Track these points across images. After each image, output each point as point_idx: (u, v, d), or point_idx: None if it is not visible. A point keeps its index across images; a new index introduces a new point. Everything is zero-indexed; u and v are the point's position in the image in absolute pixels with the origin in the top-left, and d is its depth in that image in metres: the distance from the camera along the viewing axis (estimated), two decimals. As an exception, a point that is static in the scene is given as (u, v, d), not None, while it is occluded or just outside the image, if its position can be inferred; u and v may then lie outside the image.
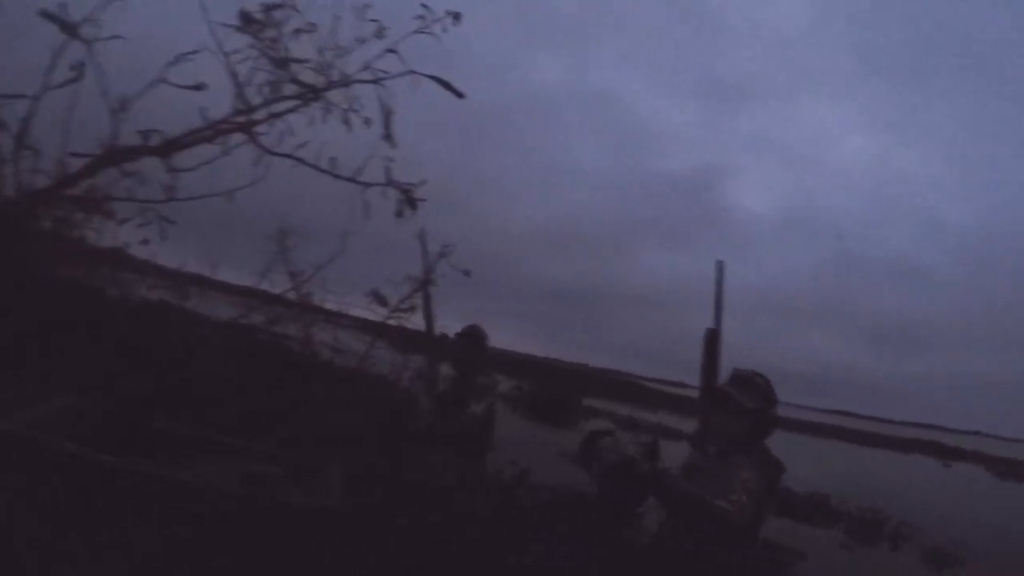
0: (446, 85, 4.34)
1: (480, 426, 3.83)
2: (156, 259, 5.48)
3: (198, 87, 3.80)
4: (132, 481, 2.38)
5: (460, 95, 4.34)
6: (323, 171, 4.34)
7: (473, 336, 4.05)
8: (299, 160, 4.22)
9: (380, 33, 4.24)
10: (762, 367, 2.88)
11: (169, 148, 3.49)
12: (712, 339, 3.01)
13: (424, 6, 4.32)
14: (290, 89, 4.07)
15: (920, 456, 39.57)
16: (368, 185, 4.40)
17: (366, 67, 4.27)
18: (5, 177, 3.64)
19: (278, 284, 5.16)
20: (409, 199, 4.28)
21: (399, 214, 4.36)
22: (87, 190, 4.09)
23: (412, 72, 4.29)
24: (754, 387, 2.77)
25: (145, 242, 5.18)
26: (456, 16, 4.57)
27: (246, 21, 3.94)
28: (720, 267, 3.05)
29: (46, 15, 2.64)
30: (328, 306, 5.45)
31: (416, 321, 4.91)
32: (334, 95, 4.33)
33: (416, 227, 4.21)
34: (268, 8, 4.03)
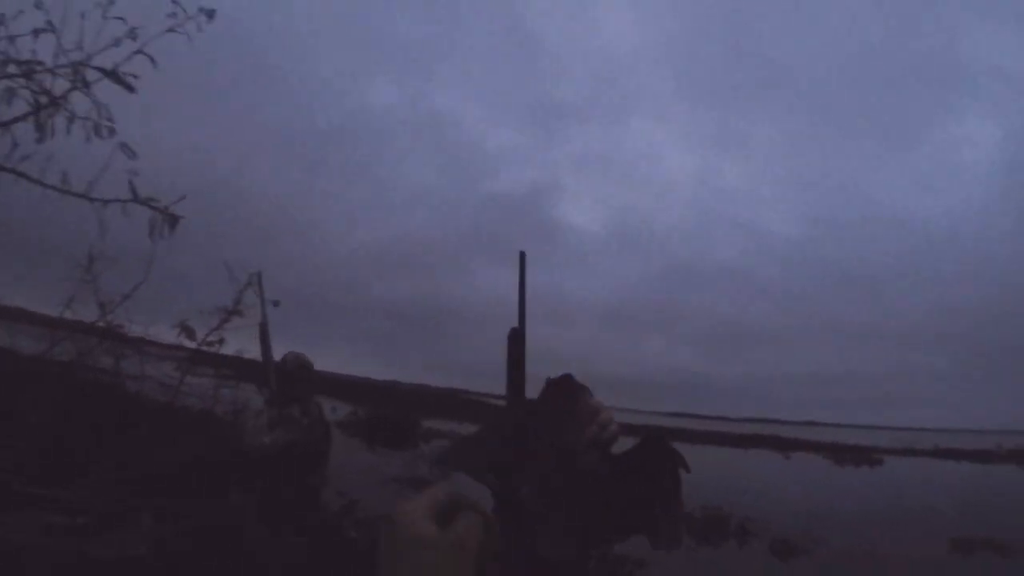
0: (118, 80, 3.93)
1: (315, 446, 3.69)
2: None
3: None
4: None
5: (131, 89, 3.94)
6: (51, 187, 3.87)
7: (295, 364, 3.87)
8: (22, 175, 3.74)
9: (132, 34, 3.86)
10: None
11: None
12: (516, 340, 2.73)
13: (175, 2, 3.94)
14: (23, 95, 3.65)
15: (760, 451, 40.83)
16: (107, 202, 3.99)
17: (113, 69, 3.83)
18: None
19: (85, 314, 4.74)
20: (168, 217, 3.93)
21: (154, 233, 3.99)
22: None
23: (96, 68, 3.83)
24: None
25: None
26: (210, 14, 4.16)
27: None
28: (523, 259, 2.79)
29: None
30: (138, 335, 5.13)
31: (231, 348, 4.71)
32: (76, 99, 3.87)
33: (231, 255, 3.96)
34: None
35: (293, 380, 3.83)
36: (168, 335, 4.99)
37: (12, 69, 3.35)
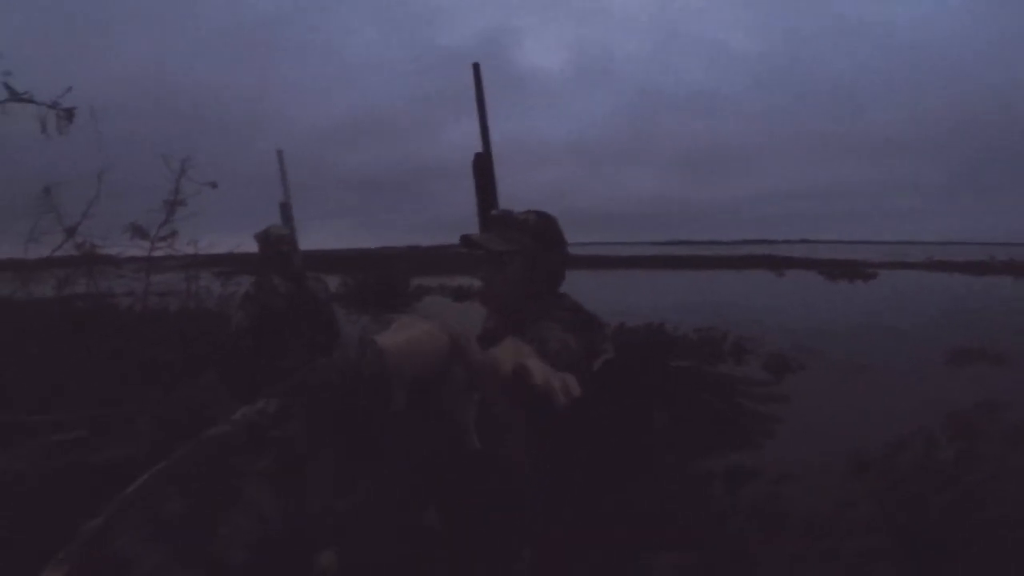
0: None
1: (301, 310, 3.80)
2: None
3: None
4: None
5: None
6: None
7: (276, 235, 3.91)
8: None
9: None
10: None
11: None
12: (482, 164, 2.47)
13: None
14: None
15: (754, 271, 40.51)
16: None
17: None
18: None
19: (49, 245, 4.73)
20: (63, 112, 3.86)
21: (46, 130, 3.91)
22: None
23: None
24: (519, 224, 2.12)
25: None
26: None
27: None
28: (477, 71, 2.45)
29: None
30: (105, 252, 5.07)
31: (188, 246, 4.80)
32: None
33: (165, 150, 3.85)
34: None
35: (273, 251, 3.89)
36: (134, 247, 5.04)
37: None
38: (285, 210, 4.08)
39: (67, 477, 2.32)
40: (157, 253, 4.95)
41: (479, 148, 2.41)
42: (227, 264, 5.94)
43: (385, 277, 21.91)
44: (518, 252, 2.06)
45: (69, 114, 3.60)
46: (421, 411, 0.80)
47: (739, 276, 36.96)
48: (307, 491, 0.62)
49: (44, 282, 4.89)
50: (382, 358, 0.70)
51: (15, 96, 3.48)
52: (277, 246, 3.88)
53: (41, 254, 4.65)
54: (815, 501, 3.79)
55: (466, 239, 2.14)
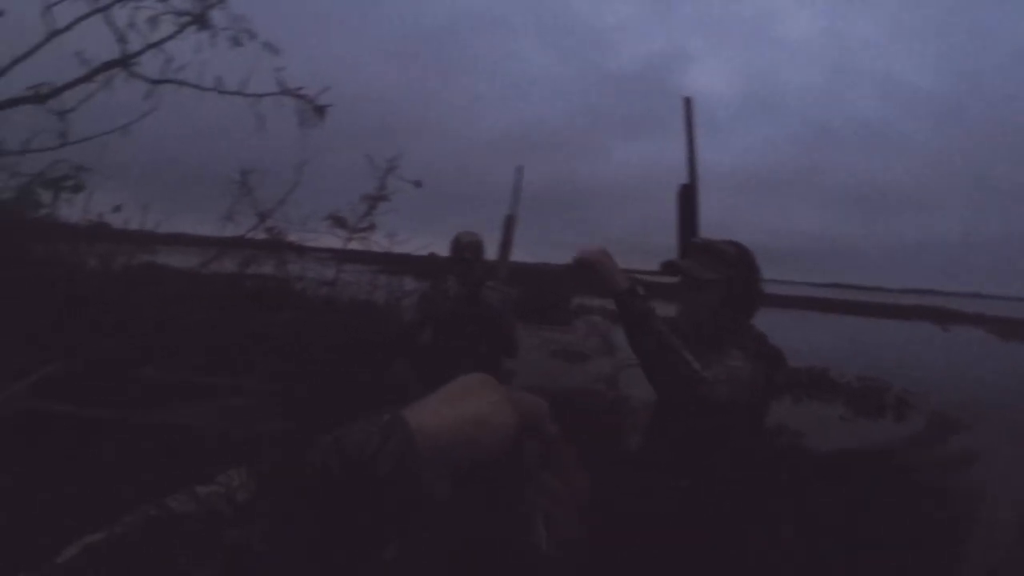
0: None
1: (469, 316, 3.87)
2: (130, 225, 5.66)
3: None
4: (120, 430, 2.56)
5: None
6: (207, 89, 4.19)
7: (467, 240, 4.02)
8: (182, 83, 4.06)
9: None
10: (751, 246, 2.36)
11: (51, 95, 3.39)
12: (687, 195, 2.54)
13: None
14: (171, 19, 3.92)
15: (919, 322, 38.44)
16: (260, 96, 4.25)
17: None
18: None
19: (243, 226, 5.11)
20: (315, 107, 4.15)
21: (305, 123, 4.22)
22: None
23: None
24: (719, 254, 2.28)
25: (117, 209, 5.39)
26: None
27: None
28: (688, 105, 2.57)
29: None
30: (294, 239, 5.41)
31: (379, 241, 4.98)
32: (216, 15, 4.12)
33: (379, 154, 4.09)
34: None
35: (458, 256, 4.00)
36: (324, 238, 5.29)
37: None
38: (509, 222, 4.05)
39: (243, 441, 2.50)
40: (352, 245, 5.20)
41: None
42: (394, 263, 6.20)
43: (546, 293, 22.03)
44: (719, 280, 2.22)
45: (321, 111, 3.91)
46: (472, 500, 0.62)
47: (902, 326, 35.27)
48: None
49: (232, 259, 5.30)
50: (413, 445, 0.54)
51: (287, 91, 3.80)
52: (461, 252, 3.99)
53: (234, 233, 5.07)
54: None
55: (669, 265, 2.31)
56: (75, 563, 0.42)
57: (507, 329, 3.99)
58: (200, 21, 3.51)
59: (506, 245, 3.92)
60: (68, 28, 3.08)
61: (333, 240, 5.19)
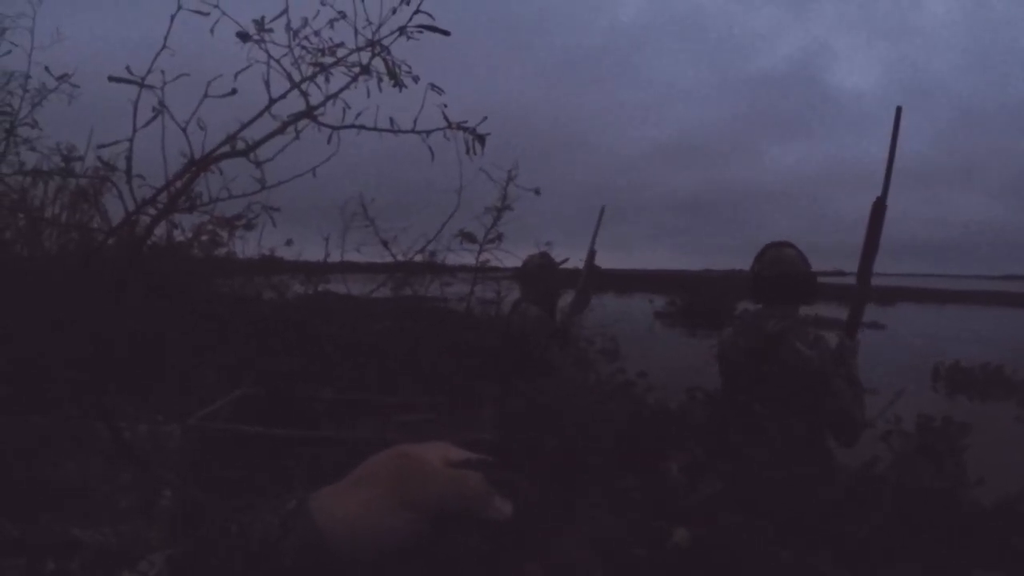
0: (431, 28, 4.26)
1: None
2: (302, 257, 6.13)
3: (233, 92, 3.97)
4: (302, 447, 2.69)
5: (446, 33, 4.28)
6: (385, 130, 4.49)
7: (534, 264, 4.37)
8: (362, 127, 4.37)
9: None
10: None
11: (251, 149, 3.71)
12: (878, 209, 2.59)
13: None
14: (340, 71, 4.24)
15: None
16: (429, 132, 4.53)
17: (400, 31, 4.32)
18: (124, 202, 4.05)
19: (401, 252, 5.35)
20: (475, 136, 4.33)
21: (469, 152, 4.45)
22: (190, 198, 4.47)
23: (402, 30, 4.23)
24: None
25: (289, 243, 5.84)
26: None
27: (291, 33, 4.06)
28: (898, 115, 2.55)
29: (115, 79, 2.90)
30: (450, 262, 5.71)
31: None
32: (376, 63, 4.42)
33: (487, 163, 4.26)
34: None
35: (532, 280, 4.35)
36: (470, 257, 5.56)
37: (325, 58, 3.94)
38: (590, 257, 4.39)
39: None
40: (483, 258, 5.47)
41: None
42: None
43: (709, 300, 22.08)
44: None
45: (482, 140, 4.14)
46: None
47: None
48: None
49: (383, 283, 5.64)
50: (318, 534, 0.51)
51: (451, 124, 4.08)
52: (537, 274, 4.35)
53: (387, 258, 5.42)
54: None
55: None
56: None
57: (539, 350, 4.12)
58: (367, 71, 3.79)
59: (588, 276, 4.27)
60: (282, 97, 3.41)
61: (470, 256, 5.51)
